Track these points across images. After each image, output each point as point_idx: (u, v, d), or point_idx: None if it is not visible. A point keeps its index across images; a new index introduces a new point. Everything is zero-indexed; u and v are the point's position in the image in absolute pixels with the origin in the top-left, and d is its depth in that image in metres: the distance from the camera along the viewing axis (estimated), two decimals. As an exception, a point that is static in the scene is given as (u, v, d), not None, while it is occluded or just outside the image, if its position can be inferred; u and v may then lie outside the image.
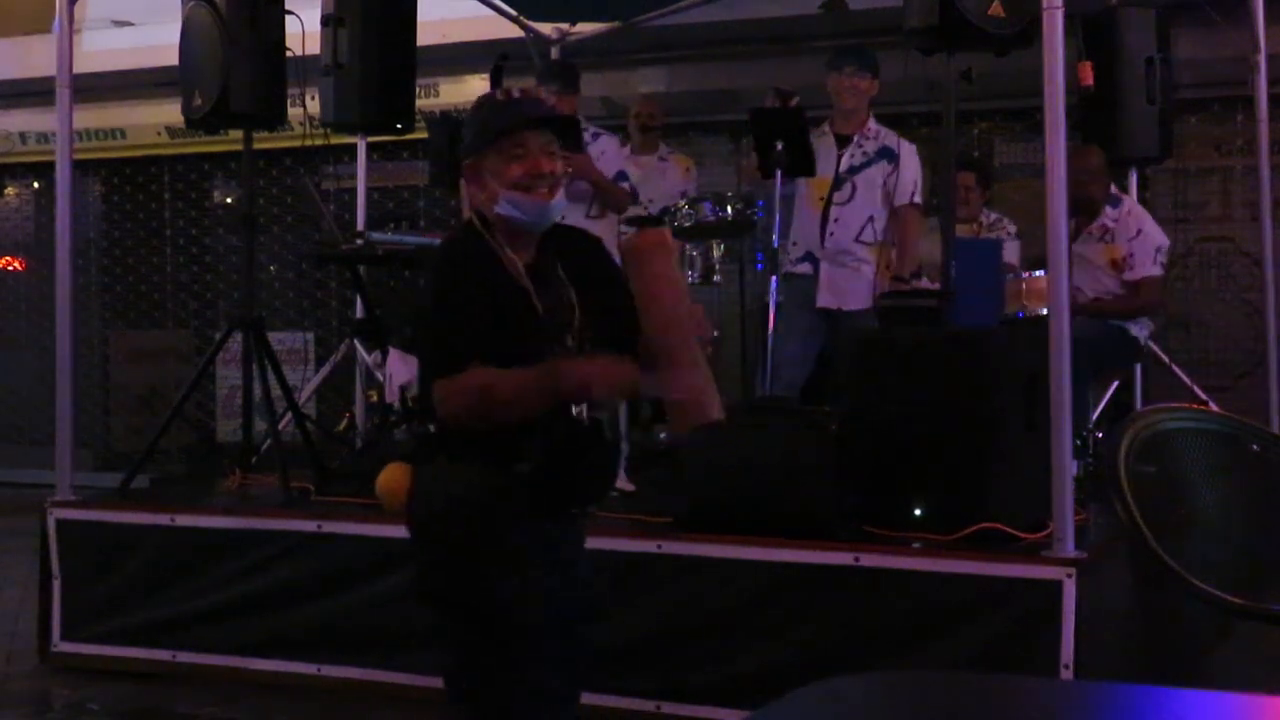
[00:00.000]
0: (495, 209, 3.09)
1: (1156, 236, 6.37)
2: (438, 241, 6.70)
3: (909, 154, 6.16)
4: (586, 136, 6.24)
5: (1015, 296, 5.88)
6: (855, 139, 6.11)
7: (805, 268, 6.07)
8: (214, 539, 5.60)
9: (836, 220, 6.06)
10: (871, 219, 6.08)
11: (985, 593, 4.48)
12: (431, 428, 3.11)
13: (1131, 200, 6.60)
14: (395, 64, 6.68)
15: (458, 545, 3.05)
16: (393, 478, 3.14)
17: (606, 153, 6.25)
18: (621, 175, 6.33)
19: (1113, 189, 6.47)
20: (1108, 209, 6.35)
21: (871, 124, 6.17)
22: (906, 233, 6.10)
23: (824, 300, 6.05)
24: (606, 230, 6.25)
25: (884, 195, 6.08)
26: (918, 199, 6.19)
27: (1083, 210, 6.15)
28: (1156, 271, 6.34)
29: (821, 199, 6.07)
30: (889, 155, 6.09)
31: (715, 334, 7.71)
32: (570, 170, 5.98)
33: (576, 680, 3.23)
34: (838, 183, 6.06)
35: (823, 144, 6.03)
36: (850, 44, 6.60)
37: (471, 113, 3.24)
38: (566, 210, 6.09)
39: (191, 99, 6.17)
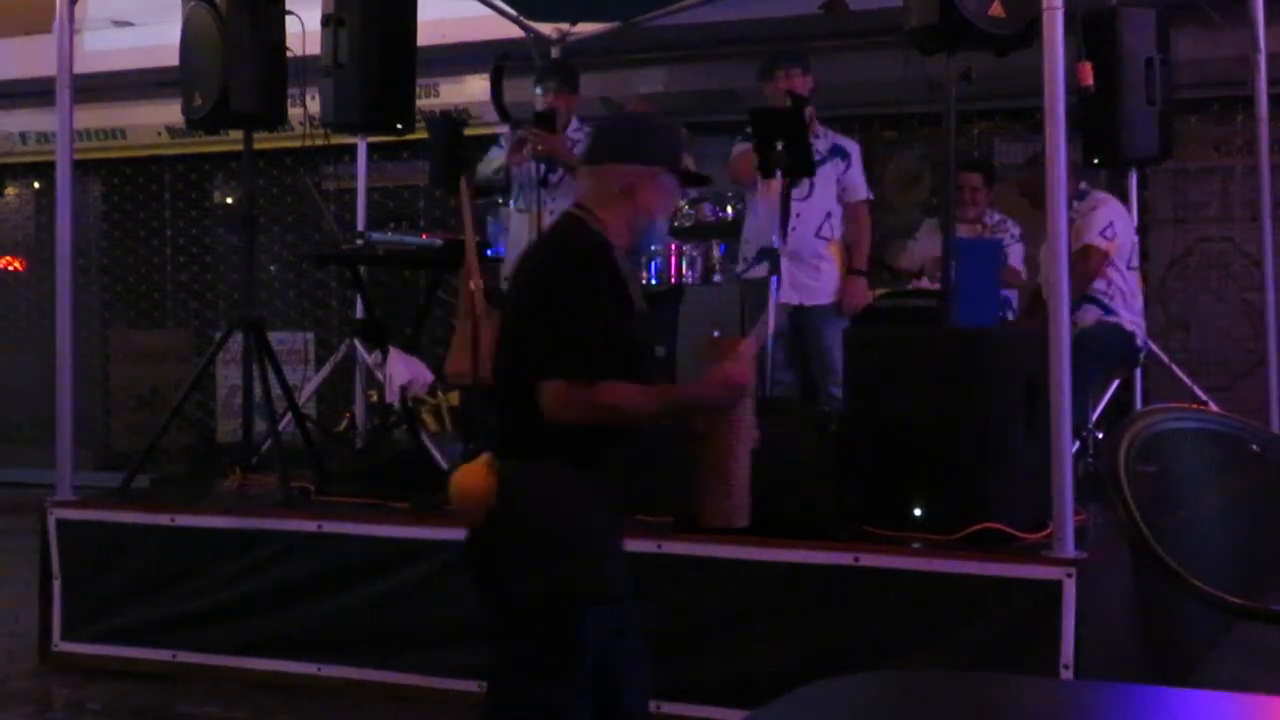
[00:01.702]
0: (632, 221, 3.19)
1: (1110, 215, 6.35)
2: (439, 242, 6.74)
3: (857, 152, 6.34)
4: (579, 134, 6.24)
5: None
6: None
7: (759, 270, 6.06)
8: (214, 539, 5.60)
9: (798, 216, 6.09)
10: (829, 215, 6.18)
11: (985, 593, 4.48)
12: (513, 420, 3.10)
13: (1099, 191, 6.59)
14: (395, 64, 6.68)
15: (573, 541, 3.09)
16: (474, 479, 3.07)
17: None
18: None
19: (1082, 184, 6.47)
20: (1075, 204, 6.36)
21: (816, 123, 6.23)
22: (861, 228, 6.29)
23: (786, 297, 6.06)
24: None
25: (838, 192, 6.18)
26: (869, 195, 6.34)
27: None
28: (1097, 242, 6.29)
29: (780, 196, 6.08)
30: (841, 153, 6.22)
31: (716, 334, 7.74)
32: (541, 149, 6.01)
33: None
34: (794, 180, 6.07)
35: None
36: (777, 49, 6.61)
37: (653, 123, 3.40)
38: (555, 204, 6.14)
39: (192, 99, 6.17)
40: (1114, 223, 6.34)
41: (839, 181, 6.19)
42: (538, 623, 3.07)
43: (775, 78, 6.16)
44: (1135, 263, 6.56)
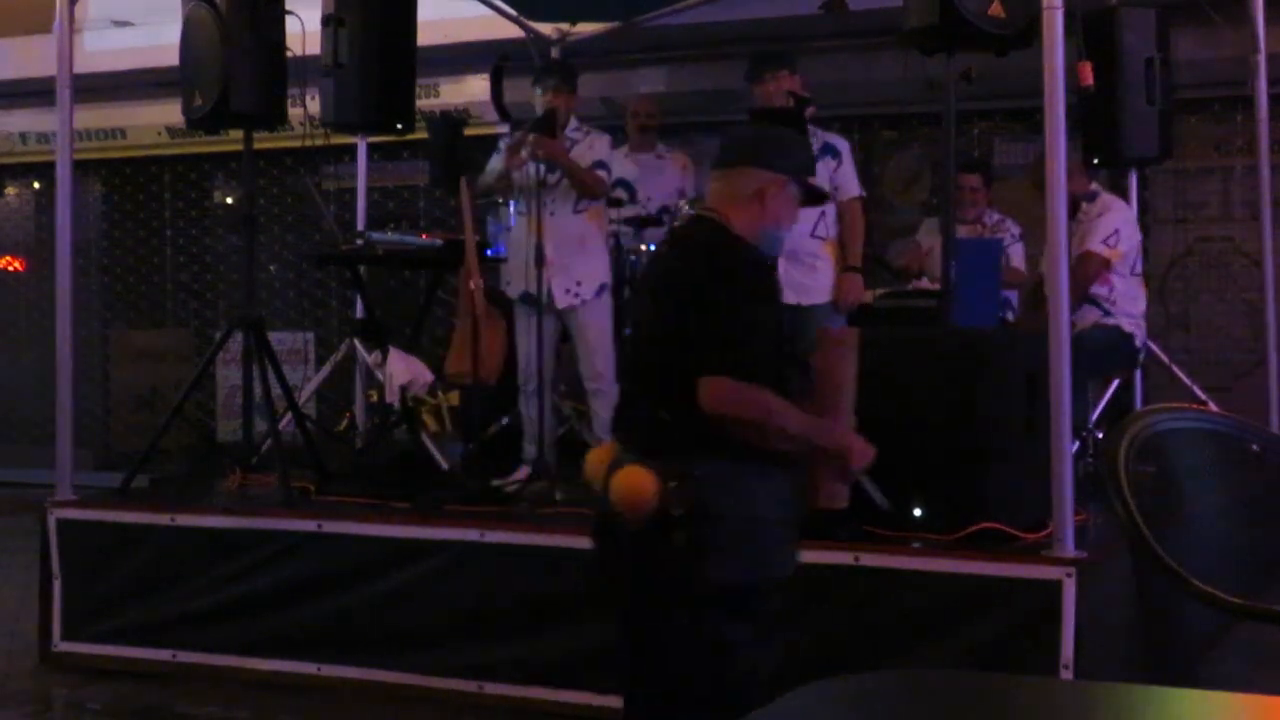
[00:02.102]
0: (759, 226, 3.27)
1: (1116, 222, 6.35)
2: (439, 242, 6.74)
3: (848, 149, 6.32)
4: (578, 134, 6.23)
5: None
6: None
7: None
8: (214, 539, 5.60)
9: None
10: (823, 214, 6.16)
11: (985, 593, 4.48)
12: (675, 420, 3.13)
13: (1111, 196, 6.59)
14: (395, 64, 6.68)
15: (756, 527, 3.16)
16: (639, 480, 3.09)
17: (595, 148, 6.24)
18: (599, 164, 6.28)
19: (1092, 185, 6.48)
20: (1084, 205, 6.36)
21: (809, 123, 6.22)
22: (854, 225, 6.26)
23: (784, 297, 6.05)
24: (596, 226, 6.25)
25: (830, 190, 6.17)
26: (861, 192, 6.33)
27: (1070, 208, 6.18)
28: (1098, 249, 6.29)
29: None
30: (832, 152, 6.21)
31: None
32: (541, 153, 6.01)
33: None
34: None
35: None
36: (762, 51, 6.60)
37: (784, 133, 3.50)
38: (554, 205, 6.12)
39: (192, 99, 6.17)
40: (1119, 230, 6.34)
41: (831, 180, 6.19)
42: (723, 604, 3.15)
43: (764, 80, 6.15)
44: (1140, 269, 6.56)
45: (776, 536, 3.24)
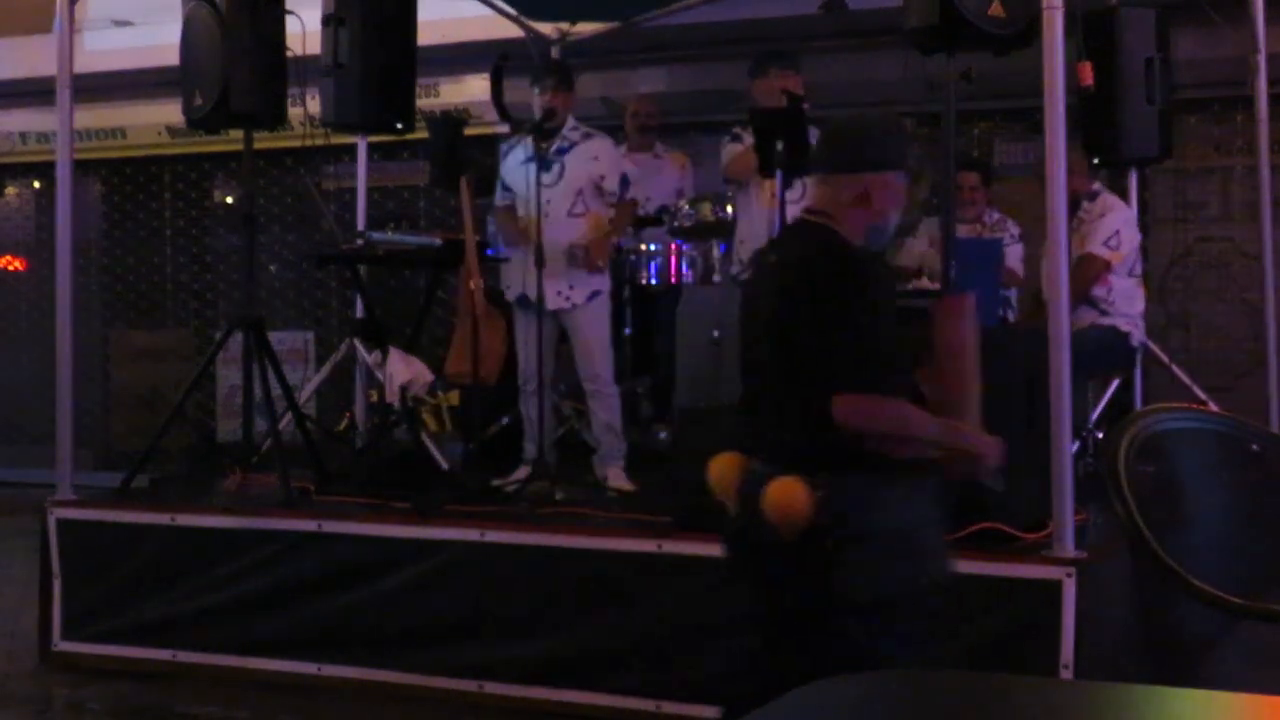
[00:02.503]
0: (866, 225, 3.27)
1: (1118, 223, 6.34)
2: (438, 242, 6.73)
3: None
4: (576, 135, 6.21)
5: None
6: None
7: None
8: (214, 539, 5.60)
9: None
10: None
11: (985, 593, 4.48)
12: (815, 435, 3.14)
13: (1111, 195, 6.58)
14: (395, 64, 6.67)
15: (913, 541, 3.18)
16: (793, 494, 3.09)
17: (601, 157, 6.22)
18: (624, 181, 6.30)
19: (1094, 184, 6.48)
20: (1085, 203, 6.36)
21: (809, 123, 6.21)
22: None
23: None
24: (590, 231, 6.24)
25: None
26: None
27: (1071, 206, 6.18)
28: (1099, 251, 6.28)
29: (773, 196, 6.07)
30: None
31: (715, 334, 7.73)
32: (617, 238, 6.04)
33: None
34: (787, 180, 6.06)
35: None
36: (765, 50, 6.60)
37: (880, 126, 3.42)
38: (549, 209, 6.11)
39: (192, 99, 6.17)
40: (1119, 231, 6.33)
41: None
42: (873, 616, 3.16)
43: (769, 75, 6.14)
44: (1139, 270, 6.55)
45: (924, 544, 3.25)
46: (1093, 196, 6.43)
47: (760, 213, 6.04)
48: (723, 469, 3.34)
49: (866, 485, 3.12)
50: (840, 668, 3.11)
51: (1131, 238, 6.43)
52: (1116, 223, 6.35)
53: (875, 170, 3.28)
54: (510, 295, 6.21)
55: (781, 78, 6.11)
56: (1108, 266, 6.30)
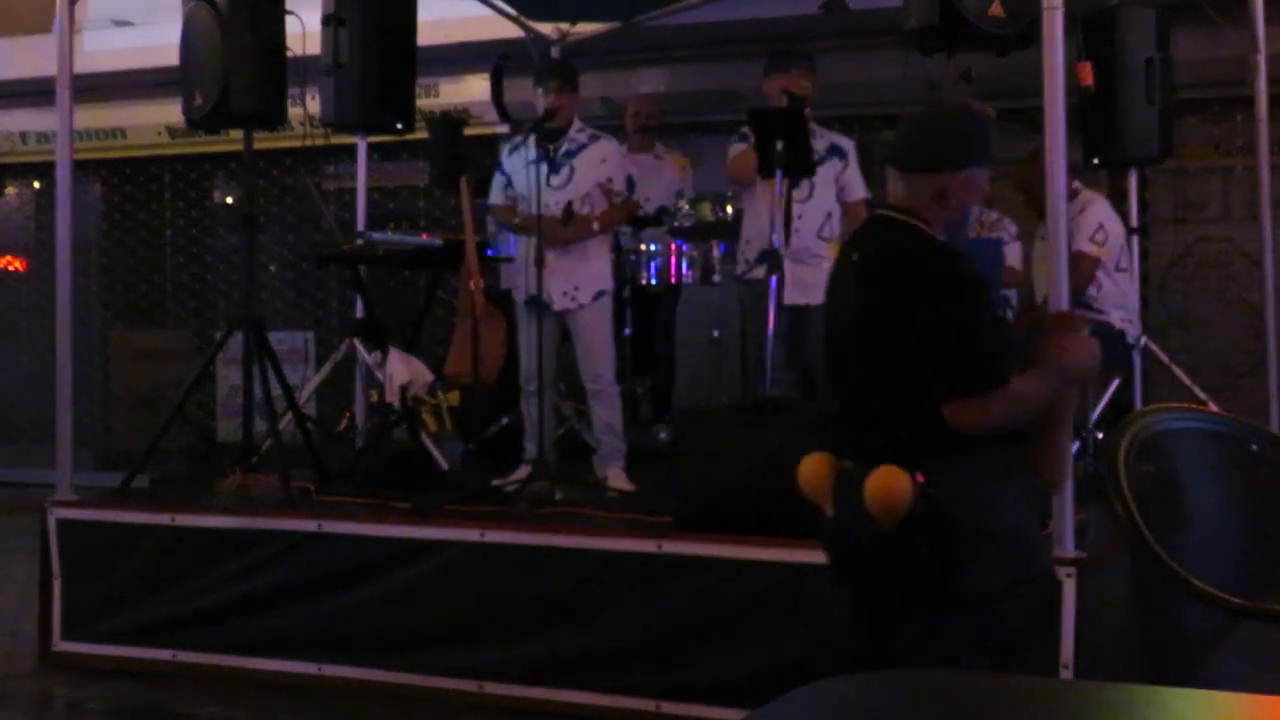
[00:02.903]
0: (947, 220, 3.26)
1: (1100, 217, 6.31)
2: (439, 242, 6.73)
3: (853, 150, 6.31)
4: (583, 136, 6.21)
5: None
6: None
7: (759, 272, 6.04)
8: (214, 539, 5.60)
9: (800, 217, 6.08)
10: (829, 215, 6.17)
11: (985, 593, 4.47)
12: (910, 432, 3.15)
13: (1090, 192, 6.55)
14: (395, 64, 6.68)
15: (1012, 532, 3.18)
16: (896, 486, 3.09)
17: (608, 159, 6.22)
18: (630, 184, 6.31)
19: (1074, 184, 6.46)
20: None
21: (812, 124, 6.21)
22: (858, 222, 6.20)
23: (791, 298, 6.04)
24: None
25: (837, 191, 6.17)
26: (867, 195, 6.33)
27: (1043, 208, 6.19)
28: (1087, 249, 6.25)
29: (781, 197, 6.07)
30: (839, 153, 6.20)
31: (716, 334, 7.70)
32: (599, 230, 6.05)
33: None
34: (794, 182, 6.07)
35: None
36: (783, 47, 6.60)
37: (961, 121, 3.37)
38: (556, 208, 6.10)
39: (192, 99, 6.17)
40: (1104, 225, 6.31)
41: (837, 181, 6.19)
42: (987, 607, 3.19)
43: (789, 74, 6.12)
44: (1125, 264, 6.52)
45: (1024, 537, 3.25)
46: (1071, 195, 6.41)
47: (767, 213, 6.04)
48: (814, 470, 3.32)
49: (970, 481, 3.11)
50: (942, 663, 3.16)
51: (1116, 231, 6.40)
52: (1099, 216, 6.33)
53: (954, 168, 3.24)
54: (520, 297, 6.17)
55: (795, 77, 6.10)
56: (1098, 263, 6.29)
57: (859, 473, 3.14)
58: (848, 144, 6.29)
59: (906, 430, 3.15)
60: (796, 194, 6.08)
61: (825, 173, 6.14)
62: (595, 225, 6.16)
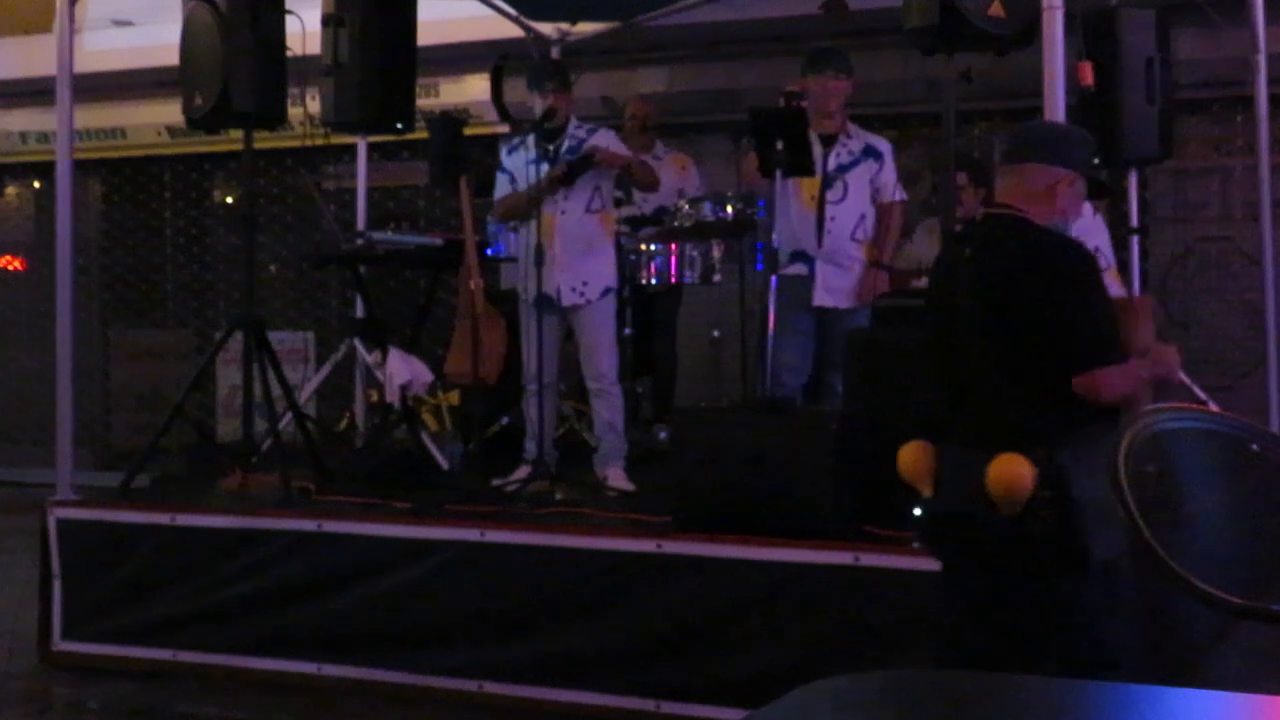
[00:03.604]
0: (1049, 219, 3.45)
1: (1080, 227, 6.28)
2: (439, 242, 6.73)
3: (889, 152, 6.27)
4: (581, 133, 6.22)
5: None
6: (839, 138, 6.14)
7: (797, 269, 6.06)
8: (214, 539, 5.60)
9: (833, 219, 6.07)
10: (863, 217, 6.14)
11: (985, 593, 4.48)
12: (1026, 415, 3.30)
13: None
14: (395, 64, 6.68)
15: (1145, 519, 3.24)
16: (1017, 468, 3.23)
17: (609, 148, 6.24)
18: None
19: None
20: None
21: (849, 124, 6.20)
22: (892, 228, 6.24)
23: (820, 299, 6.06)
24: (605, 228, 6.24)
25: (871, 193, 6.15)
26: (903, 196, 6.31)
27: None
28: None
29: (813, 198, 6.07)
30: (874, 154, 6.16)
31: (716, 334, 7.71)
32: (601, 161, 6.03)
33: None
34: (828, 181, 6.07)
35: None
36: (826, 47, 6.59)
37: (1080, 132, 3.65)
38: (565, 204, 6.12)
39: (192, 99, 6.17)
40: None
41: (872, 183, 6.15)
42: (1114, 572, 3.32)
43: (824, 74, 6.11)
44: (1110, 262, 6.50)
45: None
46: None
47: (800, 213, 6.04)
48: (914, 455, 3.49)
49: (1089, 453, 3.19)
50: (1071, 632, 3.30)
51: (1095, 233, 6.36)
52: (1080, 228, 6.28)
53: (1066, 167, 3.46)
54: (528, 296, 6.14)
55: (834, 79, 6.08)
56: None
57: (972, 457, 3.30)
58: (884, 146, 6.23)
59: (1029, 411, 3.31)
60: (830, 195, 6.07)
61: (860, 174, 6.11)
62: (626, 159, 6.19)
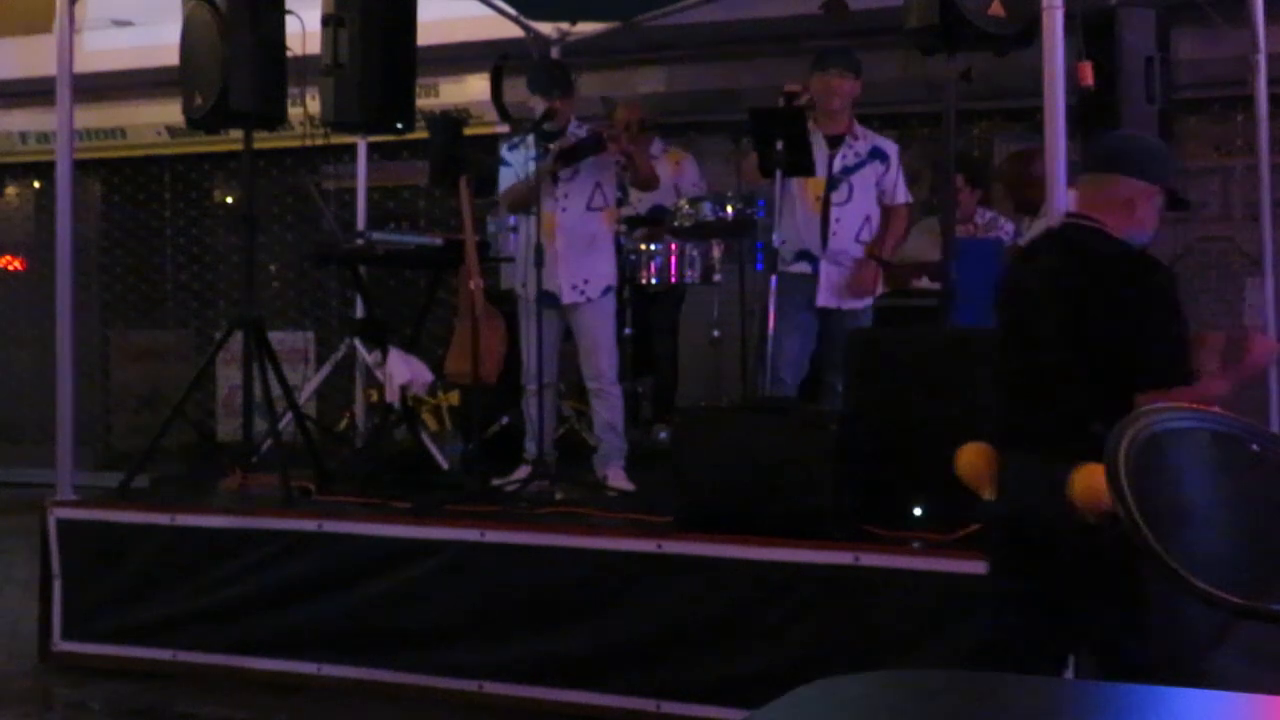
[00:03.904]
0: (1128, 231, 3.46)
1: None
2: (439, 242, 6.73)
3: (896, 153, 6.26)
4: (581, 132, 6.23)
5: None
6: (845, 139, 6.13)
7: (802, 267, 6.06)
8: (214, 539, 5.60)
9: (838, 220, 6.07)
10: (868, 218, 6.13)
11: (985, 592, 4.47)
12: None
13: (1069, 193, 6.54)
14: (395, 64, 6.68)
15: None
16: (1098, 481, 3.16)
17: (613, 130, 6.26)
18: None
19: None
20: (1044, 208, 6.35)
21: (856, 125, 6.20)
22: (896, 229, 6.24)
23: (824, 300, 6.06)
24: (607, 227, 6.25)
25: (877, 195, 6.14)
26: (909, 199, 6.29)
27: (1032, 212, 6.19)
28: None
29: (818, 199, 6.07)
30: (881, 156, 6.15)
31: (716, 334, 7.71)
32: (609, 140, 6.02)
33: None
34: (833, 183, 6.06)
35: (812, 143, 6.05)
36: (835, 45, 6.59)
37: (1155, 144, 3.70)
38: (567, 203, 6.12)
39: (192, 98, 6.17)
40: None
41: (879, 184, 6.15)
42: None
43: (829, 73, 6.10)
44: None
45: None
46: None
47: (805, 214, 6.04)
48: (974, 457, 3.52)
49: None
50: (1147, 634, 3.34)
51: None
52: None
53: (1149, 181, 3.48)
54: (530, 295, 6.13)
55: (841, 79, 6.08)
56: None
57: (1046, 463, 3.31)
58: (891, 147, 6.22)
59: (1108, 420, 3.24)
60: (835, 196, 6.06)
61: (866, 175, 6.10)
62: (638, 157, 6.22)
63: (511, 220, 6.50)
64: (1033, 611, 3.51)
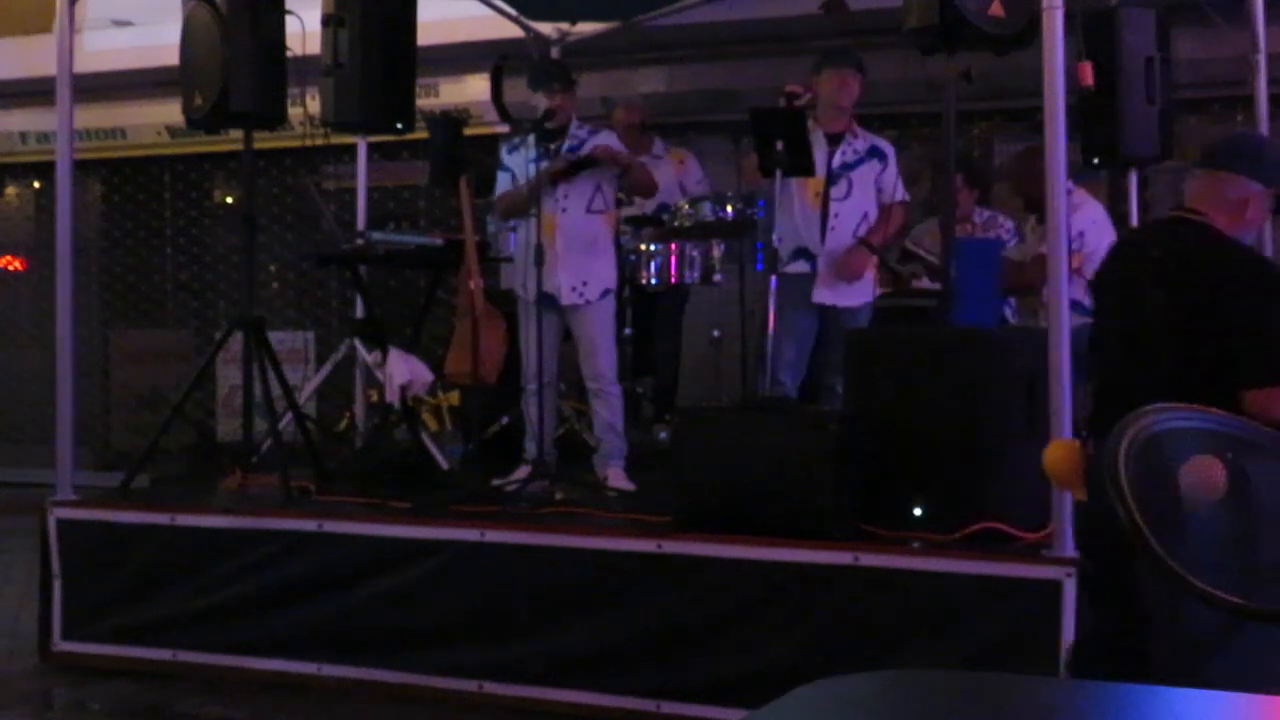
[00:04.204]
0: (1237, 231, 3.47)
1: (1083, 224, 6.27)
2: (439, 242, 6.73)
3: (893, 153, 6.34)
4: (582, 133, 6.23)
5: None
6: (845, 137, 6.17)
7: (799, 266, 6.07)
8: (214, 539, 5.60)
9: (836, 216, 6.10)
10: (866, 215, 6.17)
11: (985, 593, 4.48)
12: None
13: (1081, 194, 6.52)
14: (395, 64, 6.68)
15: None
16: (1212, 475, 3.16)
17: (612, 145, 6.24)
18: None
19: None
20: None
21: (855, 124, 6.23)
22: (892, 224, 6.28)
23: (820, 297, 6.08)
24: (607, 228, 6.25)
25: (875, 193, 6.18)
26: (906, 196, 6.35)
27: (1036, 209, 6.19)
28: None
29: (817, 195, 6.09)
30: (879, 155, 6.21)
31: (716, 334, 7.72)
32: (604, 156, 6.02)
33: None
34: (833, 178, 6.09)
35: (812, 141, 6.06)
36: (838, 45, 6.60)
37: (1272, 146, 3.72)
38: (567, 203, 6.11)
39: (192, 99, 6.17)
40: (1084, 233, 6.27)
41: (877, 183, 6.20)
42: None
43: (840, 69, 6.11)
44: None
45: None
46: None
47: (804, 210, 6.05)
48: (1064, 453, 3.47)
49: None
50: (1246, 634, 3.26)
51: (1101, 234, 6.36)
52: (1081, 223, 6.29)
53: (1263, 182, 3.49)
54: (530, 296, 6.13)
55: (845, 76, 6.11)
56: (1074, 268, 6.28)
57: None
58: (889, 148, 6.31)
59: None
60: (834, 193, 6.10)
61: (864, 173, 6.17)
62: (629, 160, 6.19)
63: (512, 220, 6.50)
64: (1134, 613, 3.49)
